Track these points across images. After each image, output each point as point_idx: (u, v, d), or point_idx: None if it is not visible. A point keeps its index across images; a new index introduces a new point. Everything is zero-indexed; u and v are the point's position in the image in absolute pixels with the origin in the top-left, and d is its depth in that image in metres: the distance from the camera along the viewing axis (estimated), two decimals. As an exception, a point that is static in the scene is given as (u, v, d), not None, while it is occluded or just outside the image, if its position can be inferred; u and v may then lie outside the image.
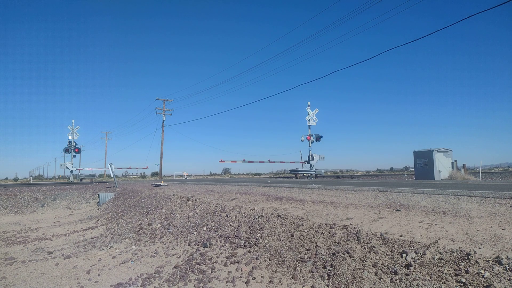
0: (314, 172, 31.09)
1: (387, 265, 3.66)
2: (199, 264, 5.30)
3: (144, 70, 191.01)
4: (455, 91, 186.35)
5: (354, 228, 4.81)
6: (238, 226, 6.50)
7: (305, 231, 5.20)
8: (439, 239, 3.91)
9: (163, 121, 34.22)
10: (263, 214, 6.65)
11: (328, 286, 3.75)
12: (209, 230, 6.84)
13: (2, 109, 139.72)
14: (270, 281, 4.26)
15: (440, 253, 3.55)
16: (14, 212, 14.64)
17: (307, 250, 4.64)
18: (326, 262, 4.14)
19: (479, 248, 3.53)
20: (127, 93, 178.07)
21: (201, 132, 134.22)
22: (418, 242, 3.92)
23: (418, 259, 3.56)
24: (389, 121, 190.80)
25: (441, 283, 3.13)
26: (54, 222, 12.54)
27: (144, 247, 7.07)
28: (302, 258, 4.47)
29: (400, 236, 4.23)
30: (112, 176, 22.30)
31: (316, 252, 4.46)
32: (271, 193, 10.16)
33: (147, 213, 10.60)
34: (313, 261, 4.28)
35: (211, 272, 4.94)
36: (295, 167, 34.29)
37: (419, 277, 3.29)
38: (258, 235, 5.67)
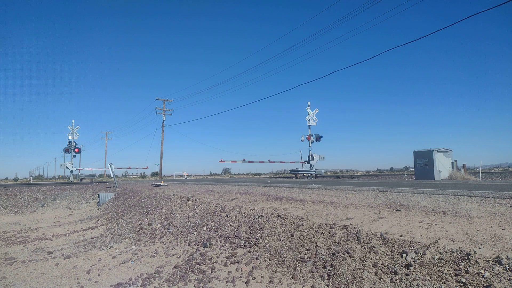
0: (314, 172, 31.10)
1: (387, 265, 3.66)
2: (199, 264, 5.30)
3: (144, 70, 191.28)
4: (455, 91, 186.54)
5: (354, 228, 4.81)
6: (238, 226, 6.50)
7: (305, 231, 5.20)
8: (439, 239, 3.91)
9: (163, 121, 34.22)
10: (263, 214, 6.65)
11: (328, 286, 3.75)
12: (209, 230, 6.84)
13: (2, 109, 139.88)
14: (270, 281, 4.26)
15: (440, 253, 3.55)
16: (14, 212, 14.64)
17: (307, 250, 4.64)
18: (326, 262, 4.14)
19: (479, 248, 3.53)
20: (127, 93, 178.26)
21: (201, 132, 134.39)
22: (418, 242, 3.92)
23: (418, 259, 3.56)
24: (389, 121, 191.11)
25: (441, 283, 3.13)
26: (54, 222, 12.54)
27: (144, 247, 7.07)
28: (302, 258, 4.47)
29: (400, 236, 4.23)
30: (112, 176, 22.30)
31: (316, 252, 4.46)
32: (271, 193, 10.16)
33: (147, 213, 10.60)
34: (313, 261, 4.28)
35: (211, 272, 4.94)
36: (295, 167, 34.30)
37: (419, 277, 3.29)
38: (258, 235, 5.67)
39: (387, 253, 3.86)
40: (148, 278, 5.13)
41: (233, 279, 4.57)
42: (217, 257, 5.42)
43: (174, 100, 51.93)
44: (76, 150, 40.25)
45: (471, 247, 3.55)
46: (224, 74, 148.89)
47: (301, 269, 4.24)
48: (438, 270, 3.30)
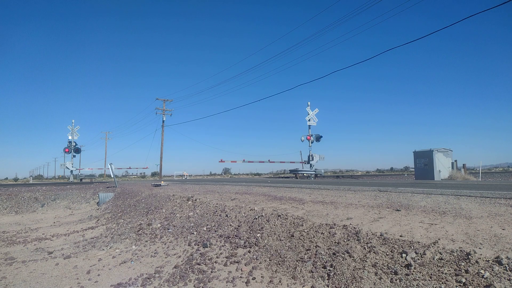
0: (314, 172, 31.09)
1: (387, 265, 3.66)
2: (199, 264, 5.30)
3: (144, 70, 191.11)
4: (455, 91, 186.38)
5: (354, 228, 4.81)
6: (238, 226, 6.51)
7: (305, 231, 5.20)
8: (439, 239, 3.91)
9: (163, 121, 34.23)
10: (263, 214, 6.65)
11: (328, 286, 3.75)
12: (209, 230, 6.84)
13: (2, 109, 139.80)
14: (270, 281, 4.26)
15: (440, 253, 3.55)
16: (14, 212, 14.64)
17: (307, 250, 4.64)
18: (326, 262, 4.14)
19: (479, 248, 3.53)
20: (127, 93, 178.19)
21: (201, 132, 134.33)
22: (418, 242, 3.92)
23: (418, 259, 3.56)
24: (389, 121, 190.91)
25: (441, 283, 3.13)
26: (54, 222, 12.54)
27: (144, 247, 7.07)
28: (302, 258, 4.47)
29: (400, 236, 4.23)
30: (112, 176, 22.30)
31: (316, 252, 4.46)
32: (271, 193, 10.16)
33: (147, 213, 10.60)
34: (313, 261, 4.28)
35: (211, 272, 4.94)
36: (295, 167, 34.29)
37: (419, 277, 3.29)
38: (258, 235, 5.67)
39: (387, 253, 3.86)
40: (148, 278, 5.13)
41: (233, 279, 4.57)
42: (217, 257, 5.42)
43: (174, 100, 51.98)
44: (76, 150, 40.29)
45: (471, 247, 3.55)
46: (224, 74, 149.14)
47: (301, 269, 4.24)
48: (438, 270, 3.30)
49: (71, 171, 39.69)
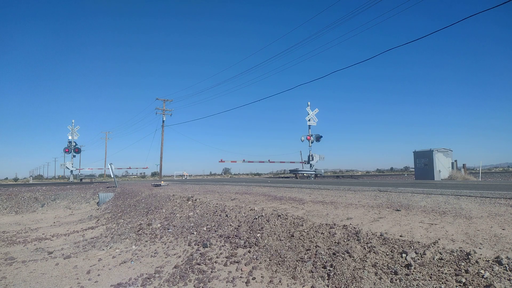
0: (314, 172, 31.09)
1: (387, 265, 3.66)
2: (199, 264, 5.30)
3: (144, 70, 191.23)
4: (455, 91, 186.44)
5: (354, 228, 4.81)
6: (238, 226, 6.50)
7: (305, 231, 5.20)
8: (439, 239, 3.91)
9: (163, 121, 34.25)
10: (263, 214, 6.65)
11: (328, 286, 3.75)
12: (209, 230, 6.84)
13: (2, 109, 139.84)
14: (270, 281, 4.26)
15: (440, 253, 3.55)
16: (14, 212, 14.64)
17: (307, 250, 4.64)
18: (326, 262, 4.14)
19: (479, 248, 3.53)
20: (127, 93, 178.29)
21: (201, 132, 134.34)
22: (418, 242, 3.92)
23: (418, 259, 3.56)
24: (389, 121, 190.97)
25: (441, 283, 3.13)
26: (54, 222, 12.54)
27: (144, 247, 7.07)
28: (302, 258, 4.47)
29: (400, 236, 4.23)
30: (112, 176, 22.30)
31: (316, 252, 4.46)
32: (271, 193, 10.16)
33: (147, 213, 10.60)
34: (313, 261, 4.28)
35: (211, 272, 4.94)
36: (295, 167, 34.29)
37: (419, 277, 3.29)
38: (258, 235, 5.67)
39: (387, 253, 3.86)
40: (148, 278, 5.13)
41: (233, 279, 4.57)
42: (217, 257, 5.42)
43: (174, 100, 52.01)
44: (76, 150, 40.31)
45: (471, 247, 3.55)
46: (224, 74, 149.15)
47: (301, 269, 4.24)
48: (438, 270, 3.30)
49: (71, 171, 39.70)
